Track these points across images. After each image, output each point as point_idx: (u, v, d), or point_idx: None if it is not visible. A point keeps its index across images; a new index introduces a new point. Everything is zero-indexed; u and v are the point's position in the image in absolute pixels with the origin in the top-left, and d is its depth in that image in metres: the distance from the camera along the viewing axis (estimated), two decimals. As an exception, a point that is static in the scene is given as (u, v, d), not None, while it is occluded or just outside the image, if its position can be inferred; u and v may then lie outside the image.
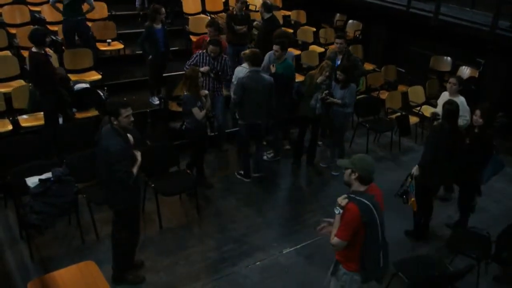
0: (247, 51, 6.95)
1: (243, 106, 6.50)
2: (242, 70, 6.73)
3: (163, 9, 7.52)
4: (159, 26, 7.56)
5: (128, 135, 4.52)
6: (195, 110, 5.96)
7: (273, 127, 7.20)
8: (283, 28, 8.58)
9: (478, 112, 5.41)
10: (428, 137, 5.89)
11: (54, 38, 8.24)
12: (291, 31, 10.28)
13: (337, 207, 3.69)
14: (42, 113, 6.66)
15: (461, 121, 6.09)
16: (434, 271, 4.55)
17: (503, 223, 6.10)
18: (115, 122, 4.34)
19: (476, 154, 5.47)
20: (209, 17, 10.21)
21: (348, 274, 3.85)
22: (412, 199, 5.48)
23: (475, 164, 5.52)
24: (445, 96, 6.42)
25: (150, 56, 7.66)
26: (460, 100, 6.23)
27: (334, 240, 3.68)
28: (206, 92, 6.20)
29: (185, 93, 5.99)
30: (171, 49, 8.18)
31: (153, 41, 7.54)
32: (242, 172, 6.90)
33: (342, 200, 3.67)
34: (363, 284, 3.86)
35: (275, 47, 6.78)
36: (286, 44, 6.83)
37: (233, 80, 6.93)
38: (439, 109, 6.28)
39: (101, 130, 4.54)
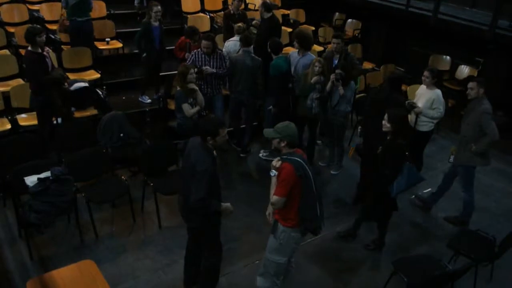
0: (239, 24, 7.64)
1: (232, 82, 7.11)
2: (235, 44, 7.37)
3: (157, 7, 7.47)
4: (156, 24, 7.55)
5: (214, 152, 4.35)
6: (185, 106, 6.08)
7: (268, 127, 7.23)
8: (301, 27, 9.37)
9: (386, 116, 5.05)
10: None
11: (52, 37, 8.25)
12: (290, 30, 10.27)
13: (273, 170, 4.10)
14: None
15: (435, 113, 6.29)
16: (433, 270, 4.55)
17: (503, 223, 6.15)
18: (211, 142, 4.14)
19: (388, 164, 5.09)
20: (208, 16, 10.24)
21: (286, 231, 4.19)
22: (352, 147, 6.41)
23: (386, 176, 5.12)
24: (422, 89, 6.47)
25: (144, 54, 7.64)
26: (436, 93, 6.27)
27: (274, 198, 4.04)
28: (195, 87, 6.17)
29: (178, 89, 6.11)
30: (170, 48, 8.15)
31: (149, 39, 7.53)
32: (240, 149, 7.55)
33: (276, 162, 4.08)
34: (300, 239, 4.30)
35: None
36: (275, 46, 6.85)
37: (224, 52, 7.42)
38: (418, 102, 6.41)
39: (189, 142, 4.33)
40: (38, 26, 6.50)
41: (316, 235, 4.37)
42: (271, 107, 6.97)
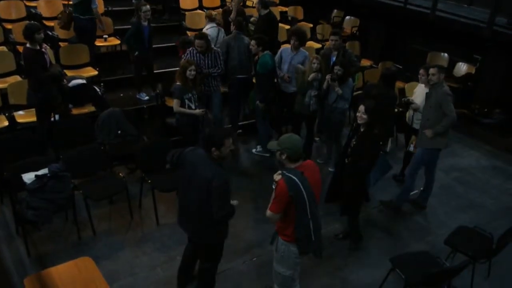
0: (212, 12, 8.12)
1: (229, 65, 7.22)
2: (214, 30, 7.86)
3: (146, 7, 7.46)
4: (145, 23, 7.55)
5: None
6: (175, 101, 6.12)
7: (261, 124, 7.38)
8: (299, 24, 9.59)
9: (362, 108, 5.04)
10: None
11: (50, 33, 8.22)
12: (288, 27, 10.26)
13: (274, 182, 3.92)
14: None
15: None
16: (431, 267, 4.56)
17: (500, 220, 6.16)
18: (215, 153, 3.99)
19: (363, 156, 5.10)
20: (205, 13, 10.21)
21: (285, 244, 4.08)
22: None
23: (363, 168, 5.13)
24: (420, 87, 6.52)
25: (137, 53, 7.63)
26: None
27: (268, 212, 3.96)
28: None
29: (177, 83, 6.14)
30: (168, 44, 8.15)
31: (140, 39, 7.52)
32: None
33: (276, 176, 3.91)
34: (300, 255, 4.11)
35: (252, 41, 6.98)
36: (263, 41, 6.89)
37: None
38: (416, 99, 6.48)
39: (187, 154, 4.19)
40: (36, 23, 6.49)
41: (317, 256, 4.25)
42: (258, 102, 7.06)
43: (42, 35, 6.16)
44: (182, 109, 6.15)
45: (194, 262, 4.74)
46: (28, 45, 6.14)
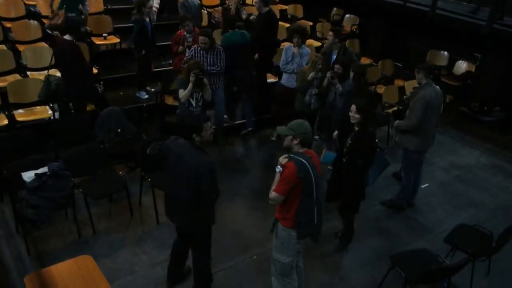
0: None
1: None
2: None
3: (150, 2, 7.47)
4: (147, 19, 7.55)
5: None
6: (180, 91, 6.16)
7: (244, 101, 7.61)
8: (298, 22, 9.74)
9: (353, 107, 5.01)
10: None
11: (49, 32, 8.19)
12: (288, 25, 10.25)
13: (278, 166, 4.00)
14: (38, 107, 6.77)
15: None
16: (431, 265, 4.56)
17: (500, 218, 6.17)
18: (197, 138, 4.15)
19: (359, 155, 5.06)
20: (206, 11, 10.20)
21: (286, 230, 4.16)
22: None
23: (359, 167, 5.11)
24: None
25: (143, 51, 7.62)
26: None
27: (272, 194, 4.02)
28: (205, 81, 6.25)
29: (181, 76, 6.21)
30: (168, 43, 8.12)
31: (145, 36, 7.51)
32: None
33: (283, 159, 3.99)
34: (299, 240, 4.17)
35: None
36: (230, 21, 7.31)
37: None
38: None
39: (170, 145, 4.26)
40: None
41: (315, 242, 4.32)
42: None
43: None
44: (184, 92, 6.12)
45: (184, 256, 4.76)
46: (66, 37, 6.27)
